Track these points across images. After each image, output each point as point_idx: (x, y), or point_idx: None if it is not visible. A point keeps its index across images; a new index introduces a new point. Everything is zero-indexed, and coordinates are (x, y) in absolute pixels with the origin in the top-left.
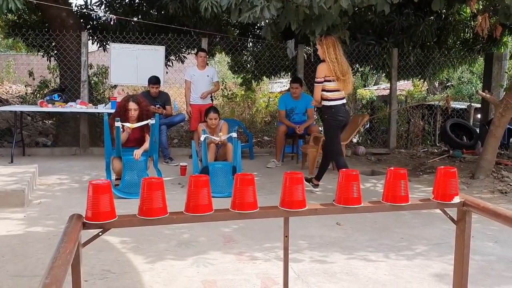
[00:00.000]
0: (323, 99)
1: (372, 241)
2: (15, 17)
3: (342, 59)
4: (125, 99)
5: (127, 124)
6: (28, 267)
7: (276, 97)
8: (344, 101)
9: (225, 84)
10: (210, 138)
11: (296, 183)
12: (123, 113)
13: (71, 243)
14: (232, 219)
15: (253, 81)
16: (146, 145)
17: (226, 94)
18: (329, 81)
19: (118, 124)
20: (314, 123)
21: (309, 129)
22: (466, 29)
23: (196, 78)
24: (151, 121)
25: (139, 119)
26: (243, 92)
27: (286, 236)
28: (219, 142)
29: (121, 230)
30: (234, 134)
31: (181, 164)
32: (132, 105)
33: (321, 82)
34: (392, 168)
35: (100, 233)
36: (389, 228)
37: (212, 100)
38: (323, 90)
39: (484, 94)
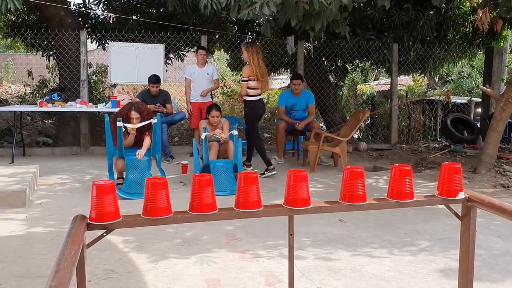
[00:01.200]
0: (245, 95)
1: (376, 238)
2: (14, 17)
3: (262, 64)
4: (127, 108)
5: (129, 125)
6: (31, 268)
7: (276, 93)
8: (261, 97)
9: (225, 82)
10: (211, 136)
11: (301, 181)
12: (125, 121)
13: (75, 245)
14: (237, 218)
15: None
16: (147, 143)
17: (225, 91)
18: (251, 80)
19: (120, 124)
20: (315, 119)
21: (310, 125)
22: (466, 24)
23: (196, 76)
24: (153, 120)
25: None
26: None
27: (291, 234)
28: (221, 140)
29: (124, 230)
30: (235, 132)
31: (182, 162)
32: (134, 114)
33: (247, 81)
34: (396, 164)
35: (105, 234)
36: (392, 224)
37: (212, 98)
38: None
39: (484, 88)
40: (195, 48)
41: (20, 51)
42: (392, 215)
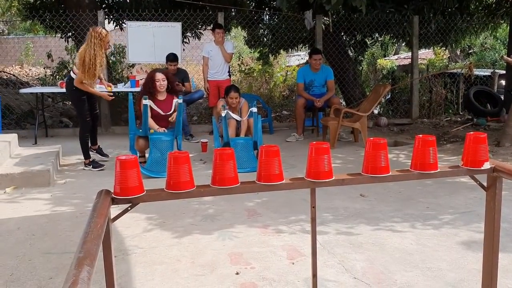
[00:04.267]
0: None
1: (397, 212)
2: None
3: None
4: (150, 75)
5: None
6: (57, 245)
7: (294, 70)
8: None
9: (242, 59)
10: (230, 116)
11: (322, 153)
12: (151, 85)
13: (101, 218)
14: (259, 191)
15: (270, 55)
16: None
17: (243, 69)
18: None
19: (145, 102)
20: (335, 95)
21: (329, 101)
22: None
23: (213, 54)
24: (179, 100)
25: (168, 92)
26: (260, 67)
27: (313, 207)
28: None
29: (147, 207)
30: (254, 109)
31: (202, 140)
32: (159, 75)
33: None
34: (420, 135)
35: (129, 208)
36: (414, 198)
37: (229, 75)
38: None
39: (509, 59)
40: (212, 26)
41: (39, 34)
42: (414, 189)
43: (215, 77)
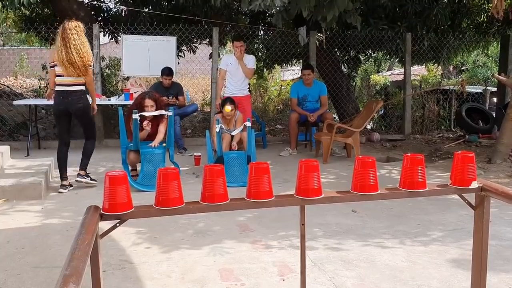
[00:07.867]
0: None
1: (389, 228)
2: (28, 12)
3: (70, 47)
4: (141, 96)
5: (145, 113)
6: (47, 259)
7: (288, 85)
8: (69, 88)
9: None
10: (224, 131)
11: (312, 171)
12: (139, 110)
13: (89, 235)
14: (248, 208)
15: (264, 70)
16: (161, 136)
17: None
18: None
19: (135, 116)
20: (328, 110)
21: (323, 116)
22: (480, 12)
23: (232, 67)
24: (168, 113)
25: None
26: (254, 81)
27: (302, 224)
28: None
29: (137, 221)
30: (248, 123)
31: (195, 154)
32: (148, 102)
33: (52, 67)
34: (408, 154)
35: (118, 224)
36: (405, 214)
37: (249, 91)
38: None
39: (500, 77)
40: (207, 40)
41: (34, 45)
42: (406, 205)
43: (234, 93)
